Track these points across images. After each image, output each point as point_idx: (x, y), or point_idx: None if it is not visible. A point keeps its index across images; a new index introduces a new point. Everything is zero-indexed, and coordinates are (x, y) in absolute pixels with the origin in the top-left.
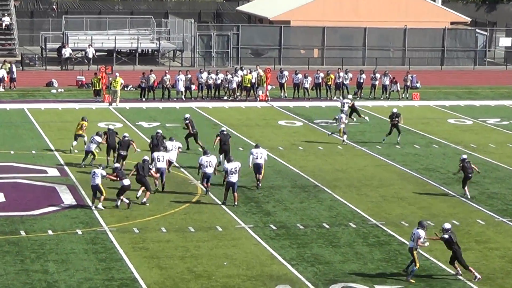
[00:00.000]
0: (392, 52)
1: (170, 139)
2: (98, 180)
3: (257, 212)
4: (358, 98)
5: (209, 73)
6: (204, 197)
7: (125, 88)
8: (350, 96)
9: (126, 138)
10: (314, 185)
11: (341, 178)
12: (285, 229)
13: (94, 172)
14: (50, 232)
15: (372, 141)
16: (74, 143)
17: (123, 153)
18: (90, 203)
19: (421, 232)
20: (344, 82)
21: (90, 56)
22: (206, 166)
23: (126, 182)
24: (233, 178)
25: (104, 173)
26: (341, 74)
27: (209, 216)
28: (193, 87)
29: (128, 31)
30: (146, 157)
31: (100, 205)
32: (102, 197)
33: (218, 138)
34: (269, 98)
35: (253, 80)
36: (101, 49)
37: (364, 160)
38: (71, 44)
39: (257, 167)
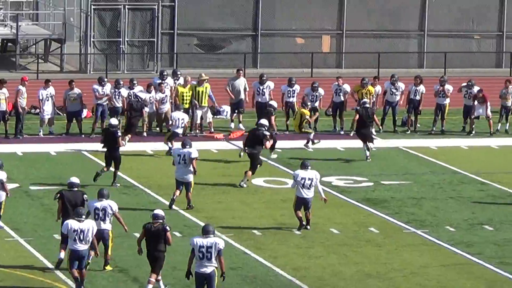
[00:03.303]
0: (477, 40)
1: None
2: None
3: None
4: (408, 131)
5: (117, 86)
6: None
7: None
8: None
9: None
10: None
11: None
12: None
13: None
14: None
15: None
16: None
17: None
18: None
19: None
20: (390, 99)
21: None
22: (73, 241)
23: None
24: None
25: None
26: (385, 85)
27: None
28: (84, 112)
29: None
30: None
31: None
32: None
33: (357, 115)
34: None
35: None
36: None
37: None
38: None
39: (303, 203)
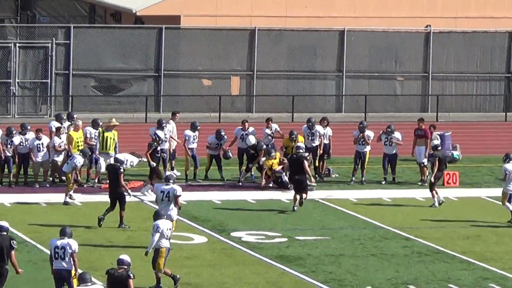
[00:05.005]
0: (400, 82)
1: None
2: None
3: None
4: (314, 187)
5: (8, 135)
6: None
7: None
8: None
9: None
10: None
11: None
12: None
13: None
14: None
15: None
16: None
17: None
18: None
19: None
20: (307, 144)
21: None
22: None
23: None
24: None
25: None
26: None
27: None
28: None
29: None
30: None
31: None
32: None
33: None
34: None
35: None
36: None
37: None
38: None
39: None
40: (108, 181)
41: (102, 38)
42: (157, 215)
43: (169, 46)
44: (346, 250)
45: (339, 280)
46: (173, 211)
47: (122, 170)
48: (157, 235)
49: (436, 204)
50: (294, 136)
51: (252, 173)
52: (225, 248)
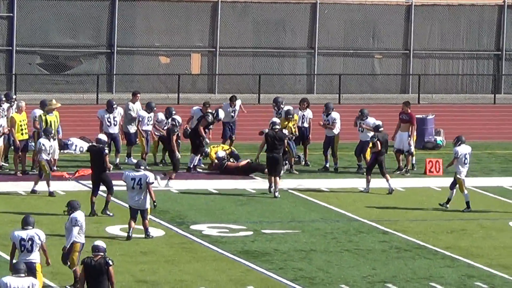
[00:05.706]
0: (378, 60)
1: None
2: None
3: None
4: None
5: None
6: None
7: None
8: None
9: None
10: None
11: None
12: None
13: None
14: None
15: None
16: None
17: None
18: None
19: None
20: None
21: None
22: None
23: None
24: None
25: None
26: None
27: None
28: None
29: None
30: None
31: None
32: None
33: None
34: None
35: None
36: None
37: None
38: None
39: None
40: (91, 165)
41: (49, 11)
42: (73, 206)
43: (123, 20)
44: (318, 245)
45: (310, 277)
46: (146, 200)
47: (106, 151)
48: (77, 229)
49: (368, 189)
50: (290, 115)
51: (200, 158)
52: (184, 243)
